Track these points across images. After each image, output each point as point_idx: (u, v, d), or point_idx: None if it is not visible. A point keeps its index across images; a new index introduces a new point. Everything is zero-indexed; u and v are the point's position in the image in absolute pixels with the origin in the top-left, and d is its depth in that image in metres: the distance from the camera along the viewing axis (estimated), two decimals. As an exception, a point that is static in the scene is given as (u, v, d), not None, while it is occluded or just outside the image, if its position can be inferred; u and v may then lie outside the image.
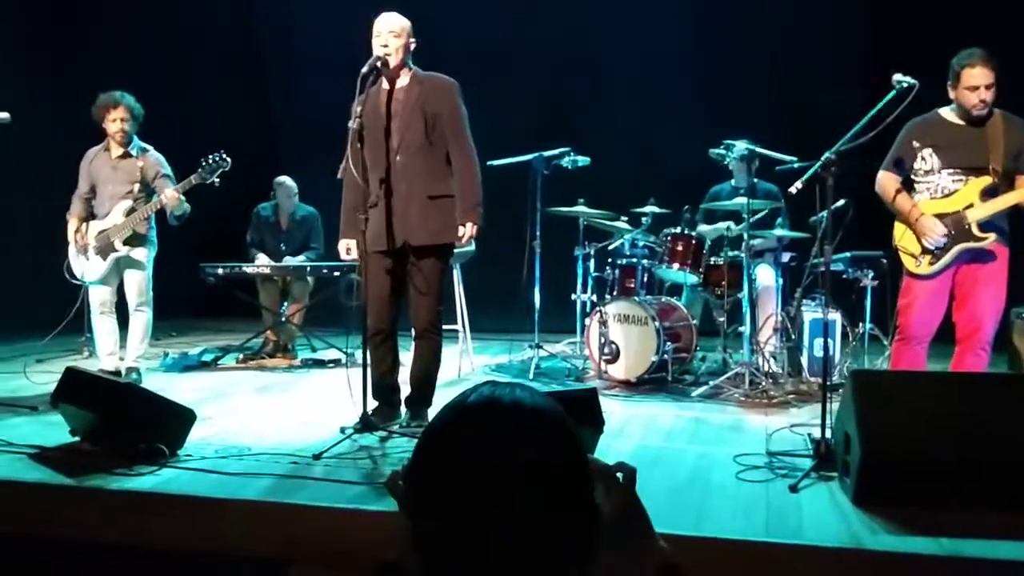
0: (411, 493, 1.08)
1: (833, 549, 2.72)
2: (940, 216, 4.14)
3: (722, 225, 5.73)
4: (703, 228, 6.01)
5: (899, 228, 4.31)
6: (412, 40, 4.12)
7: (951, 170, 4.16)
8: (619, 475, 1.28)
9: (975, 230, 4.09)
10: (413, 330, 4.28)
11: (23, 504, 3.30)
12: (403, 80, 4.12)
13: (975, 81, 4.05)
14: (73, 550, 3.13)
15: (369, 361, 4.10)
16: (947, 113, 4.21)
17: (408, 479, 1.09)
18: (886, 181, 4.30)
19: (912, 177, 4.29)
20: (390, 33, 4.02)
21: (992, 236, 4.08)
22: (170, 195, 5.25)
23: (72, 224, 5.52)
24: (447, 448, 1.06)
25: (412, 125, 4.06)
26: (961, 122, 4.18)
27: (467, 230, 4.15)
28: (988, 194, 4.09)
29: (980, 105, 4.06)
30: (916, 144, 4.20)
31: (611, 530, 1.23)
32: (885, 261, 5.31)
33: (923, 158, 4.23)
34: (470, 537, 1.01)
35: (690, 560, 2.73)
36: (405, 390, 4.32)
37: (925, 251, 4.19)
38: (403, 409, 4.30)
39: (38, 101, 6.36)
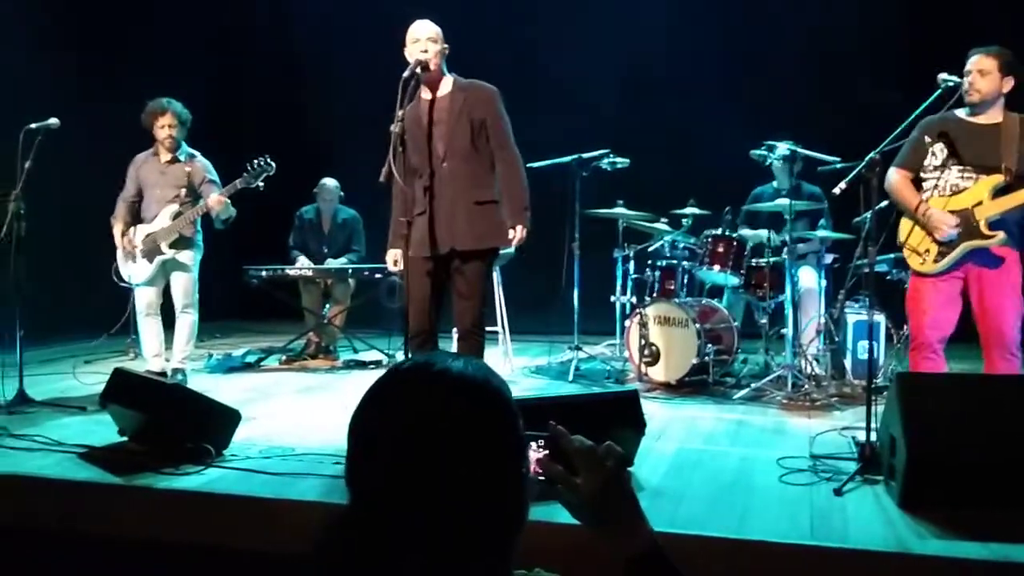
0: (346, 458, 1.11)
1: (879, 553, 2.69)
2: (951, 212, 4.04)
3: (762, 232, 5.69)
4: (744, 232, 5.97)
5: (905, 225, 4.20)
6: (446, 46, 4.17)
7: (961, 167, 4.05)
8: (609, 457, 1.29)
9: (983, 228, 3.96)
10: (456, 331, 4.30)
11: (72, 502, 3.36)
12: (444, 87, 4.17)
13: (968, 66, 4.00)
14: (121, 548, 3.19)
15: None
16: (962, 112, 4.12)
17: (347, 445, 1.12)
18: (896, 178, 4.20)
19: (921, 174, 4.19)
20: (428, 39, 4.08)
21: (1000, 235, 3.95)
22: (215, 200, 5.33)
23: (117, 228, 5.62)
24: (367, 406, 1.10)
25: (458, 132, 4.10)
26: (975, 121, 4.08)
27: (517, 232, 4.23)
28: (999, 193, 3.98)
29: (968, 89, 3.97)
30: (928, 139, 4.10)
31: (592, 509, 1.26)
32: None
33: (933, 154, 4.13)
34: (371, 495, 1.05)
35: (733, 563, 2.74)
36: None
37: (933, 247, 4.08)
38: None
39: (88, 106, 6.47)
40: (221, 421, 3.84)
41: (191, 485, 3.37)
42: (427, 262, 4.14)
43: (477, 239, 4.13)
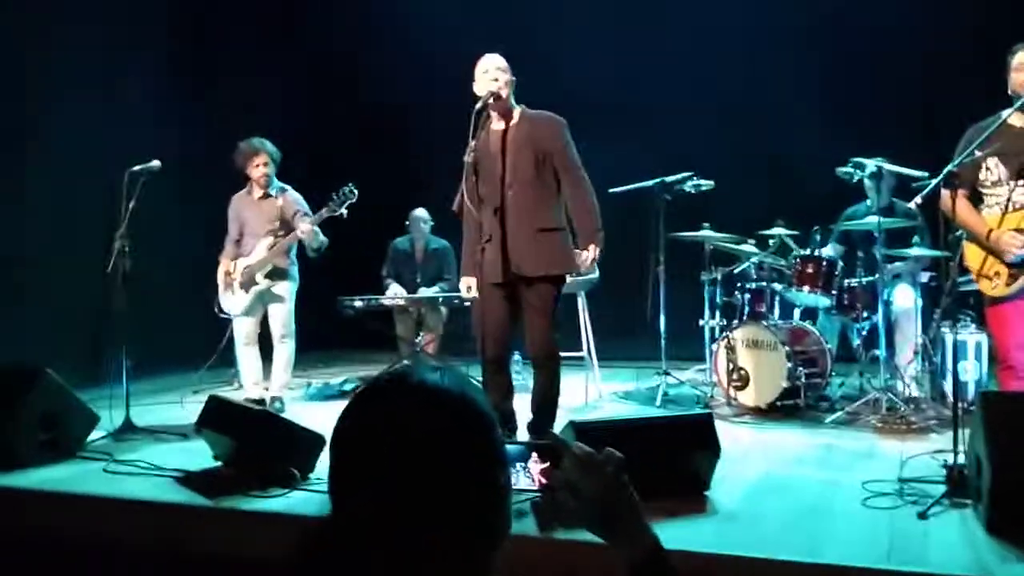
0: (328, 473, 1.14)
1: (956, 577, 2.59)
2: (1015, 231, 3.83)
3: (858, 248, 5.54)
4: (836, 250, 5.83)
5: (970, 249, 4.00)
6: (514, 78, 4.27)
7: (1020, 180, 3.84)
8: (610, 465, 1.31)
9: None
10: (531, 358, 4.35)
11: (166, 523, 3.54)
12: (514, 117, 4.27)
13: (1021, 60, 3.79)
14: (209, 567, 3.33)
15: (487, 388, 4.20)
16: (1010, 115, 3.83)
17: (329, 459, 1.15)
18: (950, 197, 3.88)
19: (980, 190, 3.98)
20: (498, 69, 4.20)
21: None
22: (305, 228, 5.55)
23: (223, 265, 5.90)
24: (345, 419, 1.13)
25: (522, 161, 4.19)
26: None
27: (590, 253, 4.28)
28: None
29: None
30: (978, 152, 3.82)
31: (594, 515, 1.28)
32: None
33: (988, 168, 3.92)
34: (350, 507, 1.08)
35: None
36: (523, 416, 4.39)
37: (1003, 269, 3.87)
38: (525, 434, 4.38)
39: (186, 148, 6.82)
40: (306, 446, 3.96)
41: (275, 507, 3.50)
42: (499, 288, 4.21)
43: (540, 265, 4.20)
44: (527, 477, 1.17)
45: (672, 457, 3.39)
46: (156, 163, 5.22)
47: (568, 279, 4.43)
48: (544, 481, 1.27)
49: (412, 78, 8.31)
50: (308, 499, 3.61)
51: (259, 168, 5.76)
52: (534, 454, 1.28)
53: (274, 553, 3.28)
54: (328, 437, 3.50)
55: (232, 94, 7.70)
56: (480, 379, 4.21)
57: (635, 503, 1.30)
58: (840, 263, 5.61)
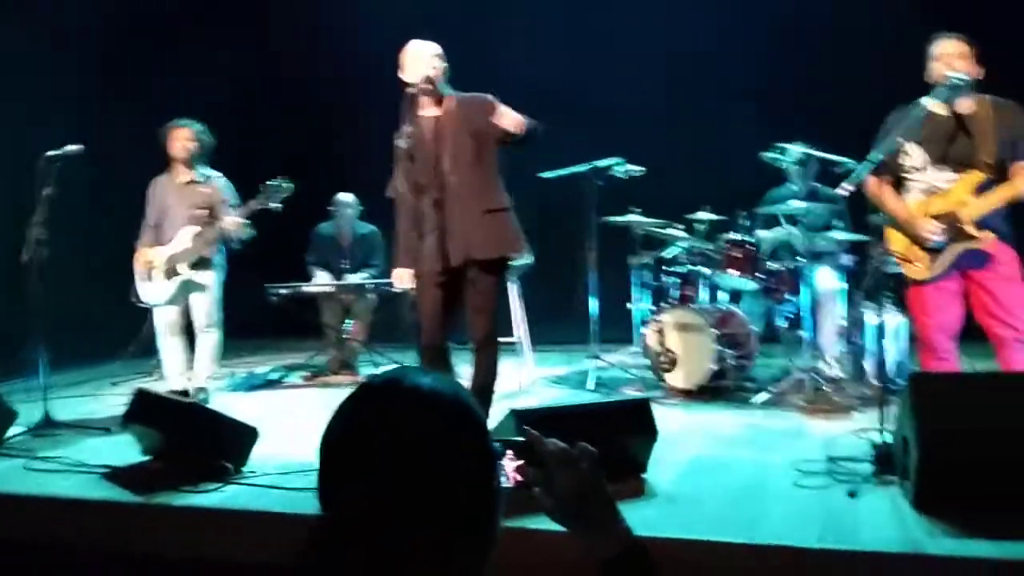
0: (318, 475, 1.13)
1: (889, 554, 2.67)
2: (934, 216, 3.94)
3: (782, 231, 5.68)
4: (761, 234, 5.95)
5: (893, 234, 4.10)
6: (446, 64, 4.23)
7: (940, 166, 3.96)
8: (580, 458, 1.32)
9: (971, 230, 3.86)
10: (472, 343, 4.32)
11: (94, 522, 3.43)
12: (447, 103, 4.21)
13: (944, 49, 3.91)
14: (141, 566, 3.24)
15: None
16: (930, 103, 3.90)
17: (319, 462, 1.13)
18: (874, 183, 4.03)
19: (901, 176, 4.09)
20: (431, 55, 4.15)
21: (989, 235, 3.86)
22: (232, 222, 5.41)
23: (141, 253, 5.69)
24: (339, 423, 1.12)
25: (461, 146, 4.14)
26: (945, 113, 3.96)
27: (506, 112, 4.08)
28: (981, 191, 3.87)
29: (949, 73, 3.83)
30: (899, 139, 3.92)
31: (569, 510, 1.28)
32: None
33: (908, 153, 4.02)
34: (344, 511, 1.07)
35: (743, 567, 2.73)
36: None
37: (924, 254, 3.99)
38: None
39: (111, 132, 6.59)
40: (239, 438, 3.88)
41: (209, 502, 3.42)
42: (438, 276, 4.17)
43: (493, 247, 4.17)
44: (501, 475, 1.16)
45: (611, 441, 3.41)
46: (75, 147, 5.01)
47: None
48: (519, 478, 1.25)
49: (336, 62, 8.18)
50: (243, 493, 3.54)
51: (180, 142, 5.58)
52: (508, 451, 1.26)
53: (211, 550, 3.22)
54: (259, 429, 3.46)
55: (148, 79, 7.48)
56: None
57: (610, 498, 1.31)
58: (764, 246, 5.72)
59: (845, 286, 5.65)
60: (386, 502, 1.04)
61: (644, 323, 5.98)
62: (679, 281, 5.95)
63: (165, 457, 3.93)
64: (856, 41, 6.95)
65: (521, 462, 1.28)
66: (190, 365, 5.71)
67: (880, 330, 5.45)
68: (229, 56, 8.29)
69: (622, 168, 5.91)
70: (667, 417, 4.81)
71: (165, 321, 5.65)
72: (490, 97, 4.24)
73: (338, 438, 1.11)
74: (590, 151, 5.93)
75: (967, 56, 3.90)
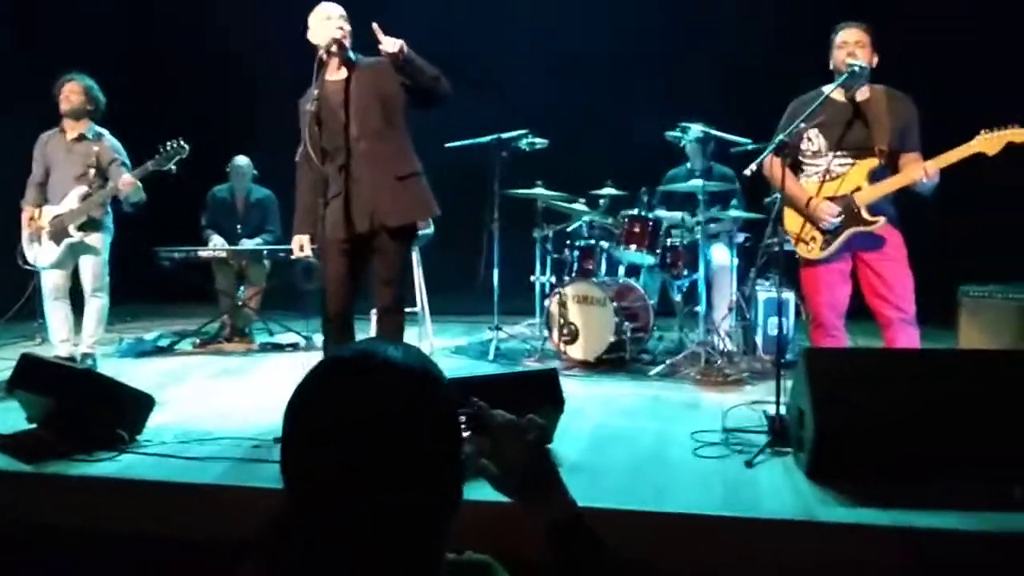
0: (283, 448, 1.11)
1: (787, 521, 2.80)
2: (830, 199, 4.12)
3: (677, 213, 5.81)
4: (660, 213, 6.07)
5: (789, 214, 4.25)
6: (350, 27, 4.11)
7: (838, 152, 4.12)
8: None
9: (864, 214, 4.05)
10: (376, 311, 4.27)
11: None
12: (355, 68, 4.10)
13: (847, 37, 4.06)
14: (33, 537, 3.11)
15: (328, 345, 4.11)
16: (834, 90, 4.08)
17: (283, 434, 1.11)
18: (775, 165, 4.11)
19: (800, 159, 4.25)
20: (340, 17, 4.03)
21: (881, 220, 4.04)
22: (126, 181, 5.18)
23: (26, 212, 5.43)
24: (307, 397, 1.10)
25: (370, 112, 4.04)
26: (845, 100, 4.13)
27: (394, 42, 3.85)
28: (875, 176, 4.06)
29: (850, 61, 3.97)
30: (803, 124, 4.04)
31: (516, 481, 1.31)
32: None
33: (809, 138, 4.18)
34: (313, 485, 1.06)
35: (650, 536, 2.81)
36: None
37: (818, 235, 4.15)
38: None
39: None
40: (134, 406, 3.76)
41: (105, 472, 3.30)
42: (343, 244, 4.09)
43: (404, 213, 4.09)
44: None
45: (520, 412, 3.43)
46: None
47: None
48: (466, 449, 1.26)
49: (240, 22, 7.91)
50: (140, 462, 3.44)
51: (68, 98, 5.33)
52: None
53: (110, 521, 3.11)
54: (152, 396, 3.34)
55: (45, 34, 7.09)
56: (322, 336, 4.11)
57: (555, 470, 1.32)
58: (664, 223, 5.84)
59: (738, 263, 5.82)
60: (357, 472, 1.03)
61: (546, 295, 6.04)
62: (580, 254, 6.03)
63: (54, 425, 3.76)
64: (764, 25, 7.13)
65: (468, 432, 1.28)
66: (76, 330, 5.48)
67: (770, 305, 5.67)
68: (128, 12, 7.95)
69: (526, 140, 5.94)
70: (569, 388, 4.84)
71: (52, 284, 5.39)
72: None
73: (309, 410, 1.09)
74: (496, 125, 5.92)
75: (866, 44, 4.06)
